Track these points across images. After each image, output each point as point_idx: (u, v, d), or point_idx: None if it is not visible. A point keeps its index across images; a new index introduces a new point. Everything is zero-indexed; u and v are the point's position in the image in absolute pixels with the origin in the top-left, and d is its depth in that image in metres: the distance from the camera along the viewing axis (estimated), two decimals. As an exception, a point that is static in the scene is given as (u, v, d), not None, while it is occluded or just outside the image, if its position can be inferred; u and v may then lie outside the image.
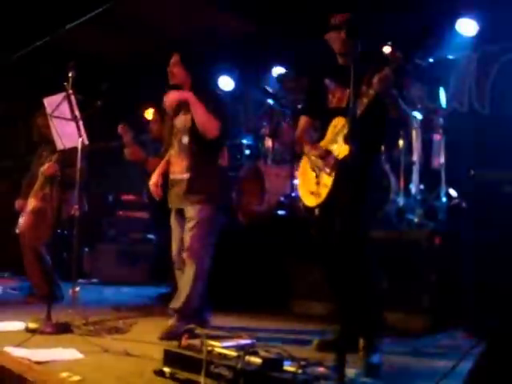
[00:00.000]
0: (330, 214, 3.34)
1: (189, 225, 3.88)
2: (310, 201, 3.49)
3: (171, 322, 3.84)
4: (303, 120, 3.74)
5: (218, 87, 7.98)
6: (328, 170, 3.33)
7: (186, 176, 3.96)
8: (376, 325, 3.27)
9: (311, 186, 3.47)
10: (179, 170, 4.00)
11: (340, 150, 3.28)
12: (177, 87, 4.05)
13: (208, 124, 3.88)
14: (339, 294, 3.28)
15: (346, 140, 3.18)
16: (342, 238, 3.15)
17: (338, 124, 3.35)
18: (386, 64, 3.15)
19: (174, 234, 4.07)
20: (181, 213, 4.00)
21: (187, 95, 3.94)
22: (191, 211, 3.89)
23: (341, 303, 3.15)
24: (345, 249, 3.06)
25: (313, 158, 3.46)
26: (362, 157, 3.19)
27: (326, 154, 3.35)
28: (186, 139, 4.00)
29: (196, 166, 3.94)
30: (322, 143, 3.46)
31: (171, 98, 4.01)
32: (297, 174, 3.67)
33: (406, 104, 3.42)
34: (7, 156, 7.60)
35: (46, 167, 5.25)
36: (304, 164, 3.62)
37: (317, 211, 3.45)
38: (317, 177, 3.44)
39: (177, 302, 3.86)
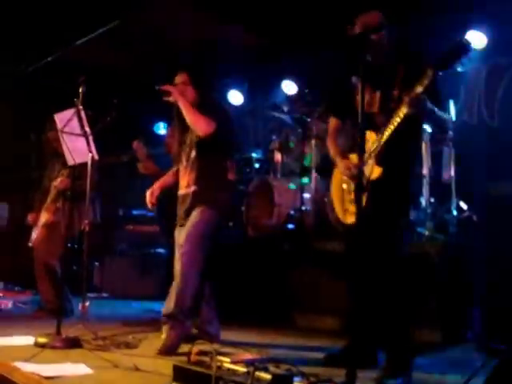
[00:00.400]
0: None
1: (189, 224, 3.88)
2: (344, 217, 3.36)
3: (165, 333, 3.77)
4: (332, 122, 3.59)
5: (227, 101, 8.01)
6: None
7: (192, 189, 3.97)
8: (403, 346, 3.15)
9: (345, 202, 3.35)
10: (186, 184, 4.02)
11: (372, 170, 3.13)
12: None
13: (198, 122, 3.87)
14: (359, 309, 3.15)
15: (378, 161, 3.11)
16: (378, 257, 3.08)
17: (369, 139, 3.16)
18: (419, 66, 3.00)
19: (176, 245, 4.07)
20: (186, 220, 3.98)
21: (178, 98, 3.91)
22: (195, 212, 3.90)
23: (357, 318, 3.07)
24: (380, 268, 3.06)
25: (343, 172, 3.33)
26: (397, 175, 3.14)
27: (355, 175, 3.14)
28: (193, 153, 4.01)
29: (202, 179, 3.95)
30: (353, 157, 3.29)
31: (171, 89, 3.95)
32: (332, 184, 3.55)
33: (441, 109, 3.26)
34: (19, 169, 7.65)
35: (59, 181, 5.29)
36: (337, 174, 3.49)
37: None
38: (349, 193, 3.33)
39: (169, 307, 3.81)
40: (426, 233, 4.87)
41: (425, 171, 5.31)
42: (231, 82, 8.19)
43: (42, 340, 3.76)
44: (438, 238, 4.87)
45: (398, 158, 3.15)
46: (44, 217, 5.41)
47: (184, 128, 4.06)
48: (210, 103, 4.05)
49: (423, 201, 5.21)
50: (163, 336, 3.79)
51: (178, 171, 4.19)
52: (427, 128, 5.44)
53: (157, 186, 4.22)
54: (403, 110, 3.00)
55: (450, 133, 5.66)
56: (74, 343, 3.77)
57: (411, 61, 3.18)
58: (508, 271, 4.42)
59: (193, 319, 3.99)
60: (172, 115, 4.15)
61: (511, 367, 1.88)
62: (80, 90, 3.93)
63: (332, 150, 3.50)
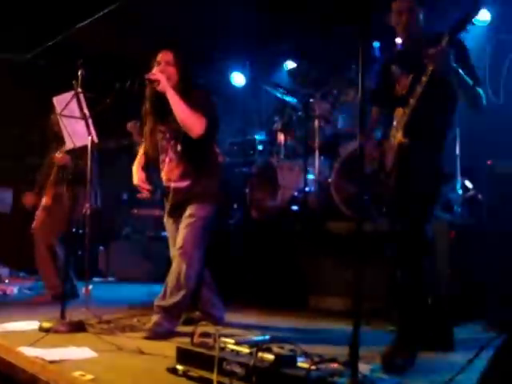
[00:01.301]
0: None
1: (186, 222, 3.81)
2: None
3: (155, 318, 3.73)
4: (374, 111, 3.56)
5: (230, 82, 7.96)
6: (390, 165, 3.21)
7: (185, 184, 3.90)
8: (417, 327, 3.11)
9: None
10: (176, 177, 3.93)
11: (400, 143, 3.14)
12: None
13: (190, 122, 3.72)
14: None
15: (404, 133, 3.10)
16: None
17: (397, 116, 3.19)
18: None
19: (170, 235, 4.04)
20: (176, 218, 3.94)
21: (166, 89, 3.73)
22: (190, 209, 3.83)
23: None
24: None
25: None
26: (426, 147, 3.11)
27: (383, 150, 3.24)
28: (179, 147, 3.89)
29: (193, 172, 3.88)
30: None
31: (159, 77, 3.76)
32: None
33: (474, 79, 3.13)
34: (22, 155, 7.63)
35: (60, 157, 5.21)
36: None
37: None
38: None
39: (164, 301, 3.76)
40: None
41: (429, 150, 5.26)
42: (233, 64, 8.13)
43: (46, 325, 3.76)
44: (443, 217, 4.83)
45: (426, 130, 3.10)
46: (44, 200, 5.40)
47: (160, 113, 3.90)
48: (194, 90, 3.87)
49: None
50: (153, 320, 3.73)
51: (148, 153, 4.06)
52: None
53: (140, 172, 4.05)
54: (429, 69, 2.97)
55: (455, 111, 5.60)
56: (78, 327, 3.77)
57: (437, 41, 3.08)
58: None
59: (193, 305, 4.00)
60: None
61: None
62: (79, 73, 3.89)
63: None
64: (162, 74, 3.79)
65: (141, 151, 4.16)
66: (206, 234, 3.88)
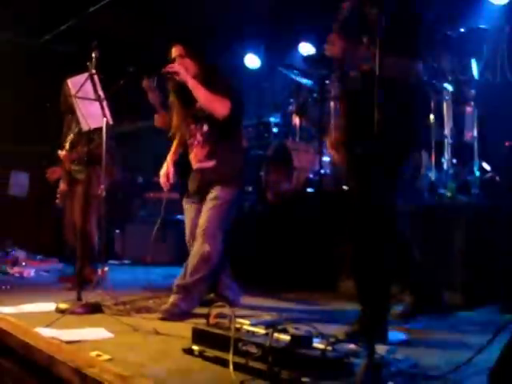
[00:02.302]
0: None
1: (210, 203, 3.83)
2: None
3: (173, 299, 3.73)
4: None
5: (244, 65, 7.92)
6: None
7: (210, 164, 3.93)
8: (380, 302, 3.00)
9: None
10: (202, 157, 3.97)
11: None
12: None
13: (213, 104, 3.80)
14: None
15: None
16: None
17: None
18: None
19: (187, 217, 4.05)
20: (199, 200, 3.96)
21: (186, 78, 3.82)
22: (216, 190, 3.85)
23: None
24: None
25: None
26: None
27: None
28: (205, 127, 3.95)
29: (219, 153, 3.91)
30: None
31: (176, 68, 3.86)
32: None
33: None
34: (37, 140, 7.66)
35: (62, 154, 5.25)
36: None
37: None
38: None
39: (184, 280, 3.78)
40: (448, 194, 4.79)
41: (446, 132, 5.21)
42: (248, 46, 8.08)
43: (62, 306, 3.78)
44: (461, 200, 4.79)
45: None
46: (60, 185, 5.42)
47: (186, 102, 3.98)
48: (213, 73, 3.94)
49: (445, 162, 5.13)
50: (170, 300, 3.74)
51: (182, 143, 4.15)
52: (448, 87, 5.32)
53: (171, 165, 4.15)
54: None
55: (473, 92, 5.54)
56: (94, 308, 3.79)
57: None
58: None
59: (209, 287, 4.01)
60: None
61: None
62: (93, 55, 3.87)
63: None
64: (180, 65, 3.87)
65: (175, 143, 4.22)
66: (229, 218, 3.91)
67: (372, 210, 2.90)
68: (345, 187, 3.39)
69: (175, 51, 3.99)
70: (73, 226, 5.21)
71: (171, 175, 4.14)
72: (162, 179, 4.15)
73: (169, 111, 4.26)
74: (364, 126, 2.85)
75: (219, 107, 3.81)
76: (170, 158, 4.22)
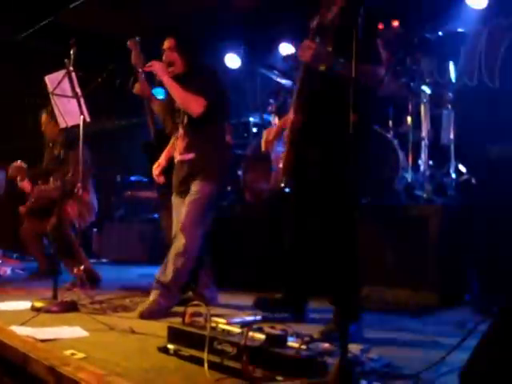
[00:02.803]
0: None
1: (189, 198, 3.83)
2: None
3: (153, 296, 3.73)
4: None
5: (224, 65, 7.91)
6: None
7: (189, 156, 3.93)
8: (350, 298, 3.02)
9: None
10: (181, 150, 3.98)
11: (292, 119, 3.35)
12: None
13: (187, 103, 3.83)
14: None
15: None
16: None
17: None
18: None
19: (174, 216, 4.03)
20: (182, 194, 3.96)
21: (162, 77, 3.85)
22: (195, 185, 3.85)
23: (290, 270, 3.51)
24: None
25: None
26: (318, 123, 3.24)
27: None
28: (185, 119, 3.96)
29: (198, 145, 3.91)
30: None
31: (155, 67, 3.89)
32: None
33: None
34: (15, 136, 7.58)
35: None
36: None
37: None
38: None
39: (164, 276, 3.77)
40: (425, 195, 4.84)
41: (424, 133, 5.26)
42: (228, 45, 8.07)
43: (38, 304, 3.76)
44: (437, 201, 4.84)
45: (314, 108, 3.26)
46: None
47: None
48: (198, 72, 3.94)
49: (422, 163, 5.18)
50: (150, 299, 3.74)
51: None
52: (426, 89, 5.38)
53: (163, 159, 4.20)
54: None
55: (450, 95, 5.60)
56: (70, 307, 3.77)
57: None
58: (506, 234, 4.40)
59: (190, 285, 4.03)
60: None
61: (506, 329, 1.86)
62: (71, 52, 3.85)
63: None
64: (163, 60, 3.92)
65: (173, 140, 4.22)
66: (209, 212, 3.90)
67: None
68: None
69: (166, 43, 3.99)
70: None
71: (161, 170, 4.16)
72: (155, 172, 4.19)
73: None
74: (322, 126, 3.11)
75: (193, 106, 3.81)
76: (164, 154, 4.25)
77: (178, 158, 4.01)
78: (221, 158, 3.99)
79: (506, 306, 1.88)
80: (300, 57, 3.15)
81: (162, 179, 4.18)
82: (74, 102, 3.87)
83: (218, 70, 4.18)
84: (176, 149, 4.05)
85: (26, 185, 5.56)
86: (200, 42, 4.53)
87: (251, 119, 6.82)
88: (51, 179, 5.45)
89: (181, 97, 3.83)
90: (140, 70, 4.03)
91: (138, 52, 4.21)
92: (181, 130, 4.01)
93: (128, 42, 4.22)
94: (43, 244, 5.71)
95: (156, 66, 3.87)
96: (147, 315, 3.59)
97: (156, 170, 4.19)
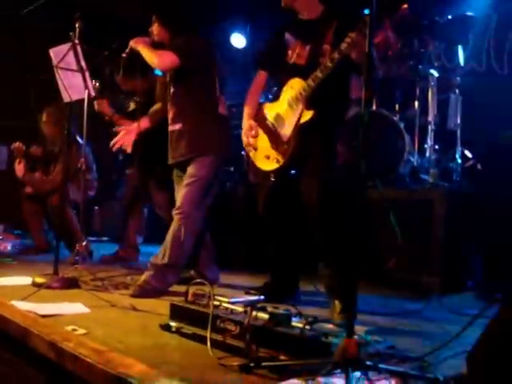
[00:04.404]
0: (288, 178, 3.34)
1: (186, 181, 3.79)
2: (265, 165, 3.40)
3: (145, 276, 3.70)
4: (262, 75, 3.61)
5: (230, 44, 7.84)
6: (286, 137, 3.26)
7: (176, 127, 3.90)
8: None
9: (267, 150, 3.37)
10: (170, 120, 3.96)
11: (302, 113, 3.19)
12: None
13: (154, 57, 3.74)
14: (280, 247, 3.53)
15: (308, 104, 3.15)
16: (309, 196, 3.15)
17: (295, 86, 3.23)
18: (350, 23, 2.94)
19: (176, 187, 4.01)
20: (180, 167, 3.93)
21: (136, 44, 3.83)
22: (192, 168, 3.80)
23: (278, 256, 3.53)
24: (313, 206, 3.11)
25: (268, 121, 3.37)
26: (327, 118, 3.20)
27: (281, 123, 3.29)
28: (172, 89, 3.95)
29: (185, 115, 3.86)
30: (278, 107, 3.35)
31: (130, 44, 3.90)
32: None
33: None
34: (18, 113, 7.53)
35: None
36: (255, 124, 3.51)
37: (272, 176, 3.38)
38: (272, 142, 3.35)
39: (158, 259, 3.73)
40: (430, 180, 4.79)
41: (430, 118, 5.20)
42: (233, 25, 8.00)
43: (39, 280, 3.74)
44: (442, 186, 4.80)
45: (328, 103, 3.19)
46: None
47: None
48: (180, 39, 3.86)
49: (428, 148, 5.13)
50: (141, 278, 3.71)
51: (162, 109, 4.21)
52: (434, 73, 5.31)
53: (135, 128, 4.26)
54: (336, 54, 2.99)
55: (458, 79, 5.54)
56: (71, 283, 3.75)
57: (344, 18, 3.14)
58: (510, 220, 4.37)
59: (188, 265, 4.01)
60: None
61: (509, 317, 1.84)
62: (76, 25, 3.79)
63: (251, 99, 3.60)
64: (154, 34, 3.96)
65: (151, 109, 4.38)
66: (207, 194, 3.84)
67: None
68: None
69: (154, 21, 3.99)
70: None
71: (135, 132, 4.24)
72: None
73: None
74: None
75: (159, 59, 3.75)
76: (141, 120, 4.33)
77: (170, 128, 3.99)
78: (216, 130, 3.89)
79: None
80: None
81: (129, 149, 4.18)
82: (78, 76, 3.82)
83: (222, 47, 4.15)
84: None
85: (19, 168, 5.59)
86: (205, 20, 4.51)
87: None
88: (52, 167, 5.63)
89: (149, 55, 3.76)
90: (124, 55, 4.00)
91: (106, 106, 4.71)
92: (169, 101, 3.99)
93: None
94: (43, 222, 5.82)
95: (132, 41, 3.86)
96: (138, 294, 3.56)
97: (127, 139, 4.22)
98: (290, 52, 3.34)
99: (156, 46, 3.89)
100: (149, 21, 3.99)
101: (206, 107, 3.91)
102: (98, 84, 4.58)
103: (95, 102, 4.72)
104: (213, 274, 4.15)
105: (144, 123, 4.30)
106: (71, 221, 5.31)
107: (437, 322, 3.21)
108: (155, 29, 3.96)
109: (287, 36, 3.40)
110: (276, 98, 3.43)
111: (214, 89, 3.95)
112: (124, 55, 3.95)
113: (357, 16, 2.87)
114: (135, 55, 3.88)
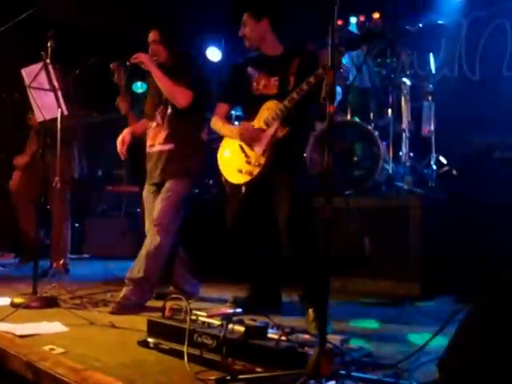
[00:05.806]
0: (259, 191, 3.50)
1: (162, 196, 3.84)
2: (237, 178, 3.55)
3: (124, 292, 3.70)
4: (223, 107, 3.80)
5: (206, 58, 7.87)
6: (261, 150, 3.44)
7: (167, 147, 3.92)
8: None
9: (240, 164, 3.53)
10: (161, 140, 3.95)
11: (278, 130, 3.42)
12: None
13: (174, 94, 3.85)
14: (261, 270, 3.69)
15: (284, 123, 3.41)
16: (280, 210, 3.32)
17: (271, 107, 3.44)
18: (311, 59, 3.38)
19: (147, 208, 4.02)
20: (157, 186, 3.95)
21: (150, 67, 3.87)
22: (169, 184, 3.85)
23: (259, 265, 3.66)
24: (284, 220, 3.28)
25: (243, 138, 3.53)
26: (299, 134, 3.54)
27: (259, 135, 3.46)
28: (169, 111, 3.95)
29: (177, 137, 3.90)
30: (256, 124, 3.52)
31: (141, 58, 3.89)
32: (218, 153, 3.76)
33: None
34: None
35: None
36: (227, 144, 3.68)
37: (244, 188, 3.54)
38: (247, 156, 3.51)
39: (134, 273, 3.74)
40: (405, 187, 4.86)
41: (404, 125, 5.27)
42: (209, 39, 8.04)
43: (18, 300, 3.71)
44: (417, 192, 4.86)
45: (299, 121, 3.49)
46: (23, 158, 5.51)
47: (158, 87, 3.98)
48: (185, 64, 3.96)
49: (403, 155, 5.20)
50: (120, 295, 3.71)
51: (145, 123, 4.14)
52: (407, 81, 5.39)
53: (127, 133, 4.11)
54: (305, 86, 3.26)
55: (431, 86, 5.62)
56: (50, 302, 3.73)
57: (307, 56, 3.51)
58: (487, 224, 4.43)
59: (166, 281, 4.04)
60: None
61: (483, 316, 1.87)
62: (49, 44, 3.80)
63: (220, 123, 3.73)
64: (149, 53, 3.93)
65: (142, 122, 4.24)
66: (182, 209, 3.89)
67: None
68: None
69: (151, 36, 4.00)
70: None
71: (127, 141, 4.09)
72: (119, 145, 4.10)
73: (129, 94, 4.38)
74: None
75: (180, 98, 3.84)
76: (129, 128, 4.19)
77: (155, 147, 3.98)
78: (197, 156, 3.97)
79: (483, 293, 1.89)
80: None
81: (124, 151, 4.11)
82: (51, 95, 3.82)
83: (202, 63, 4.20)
84: (150, 139, 4.03)
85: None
86: (184, 33, 4.54)
87: (232, 112, 6.77)
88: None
89: (169, 88, 3.85)
90: (128, 64, 3.99)
91: (121, 74, 4.30)
92: (159, 120, 3.99)
93: (111, 65, 4.25)
94: (34, 214, 5.53)
95: (142, 58, 3.87)
96: (117, 311, 3.55)
97: (120, 143, 4.10)
98: (254, 84, 3.58)
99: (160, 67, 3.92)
100: (125, 33, 3.99)
101: (196, 134, 4.01)
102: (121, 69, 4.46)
103: (117, 99, 4.51)
104: (191, 287, 4.16)
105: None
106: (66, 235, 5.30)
107: (415, 328, 3.24)
108: (155, 48, 3.96)
109: (250, 70, 3.63)
110: (249, 119, 3.59)
111: (205, 114, 4.07)
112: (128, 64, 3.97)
113: (315, 55, 3.44)
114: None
